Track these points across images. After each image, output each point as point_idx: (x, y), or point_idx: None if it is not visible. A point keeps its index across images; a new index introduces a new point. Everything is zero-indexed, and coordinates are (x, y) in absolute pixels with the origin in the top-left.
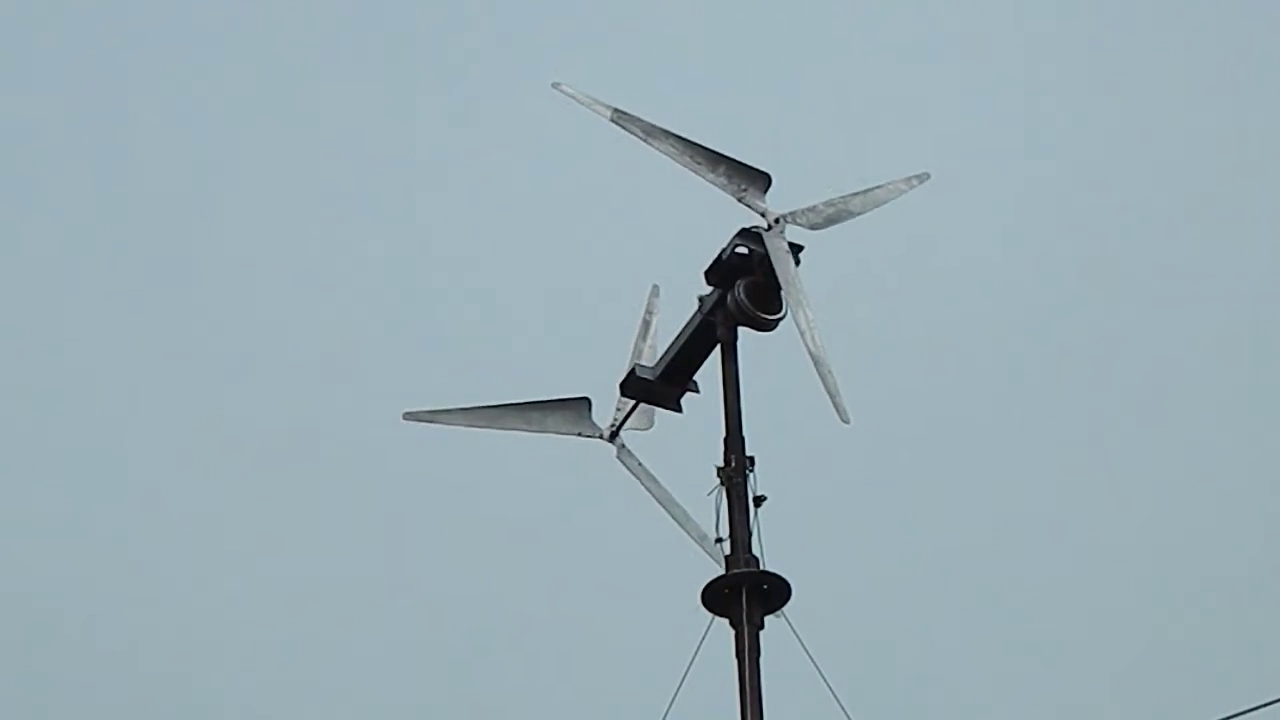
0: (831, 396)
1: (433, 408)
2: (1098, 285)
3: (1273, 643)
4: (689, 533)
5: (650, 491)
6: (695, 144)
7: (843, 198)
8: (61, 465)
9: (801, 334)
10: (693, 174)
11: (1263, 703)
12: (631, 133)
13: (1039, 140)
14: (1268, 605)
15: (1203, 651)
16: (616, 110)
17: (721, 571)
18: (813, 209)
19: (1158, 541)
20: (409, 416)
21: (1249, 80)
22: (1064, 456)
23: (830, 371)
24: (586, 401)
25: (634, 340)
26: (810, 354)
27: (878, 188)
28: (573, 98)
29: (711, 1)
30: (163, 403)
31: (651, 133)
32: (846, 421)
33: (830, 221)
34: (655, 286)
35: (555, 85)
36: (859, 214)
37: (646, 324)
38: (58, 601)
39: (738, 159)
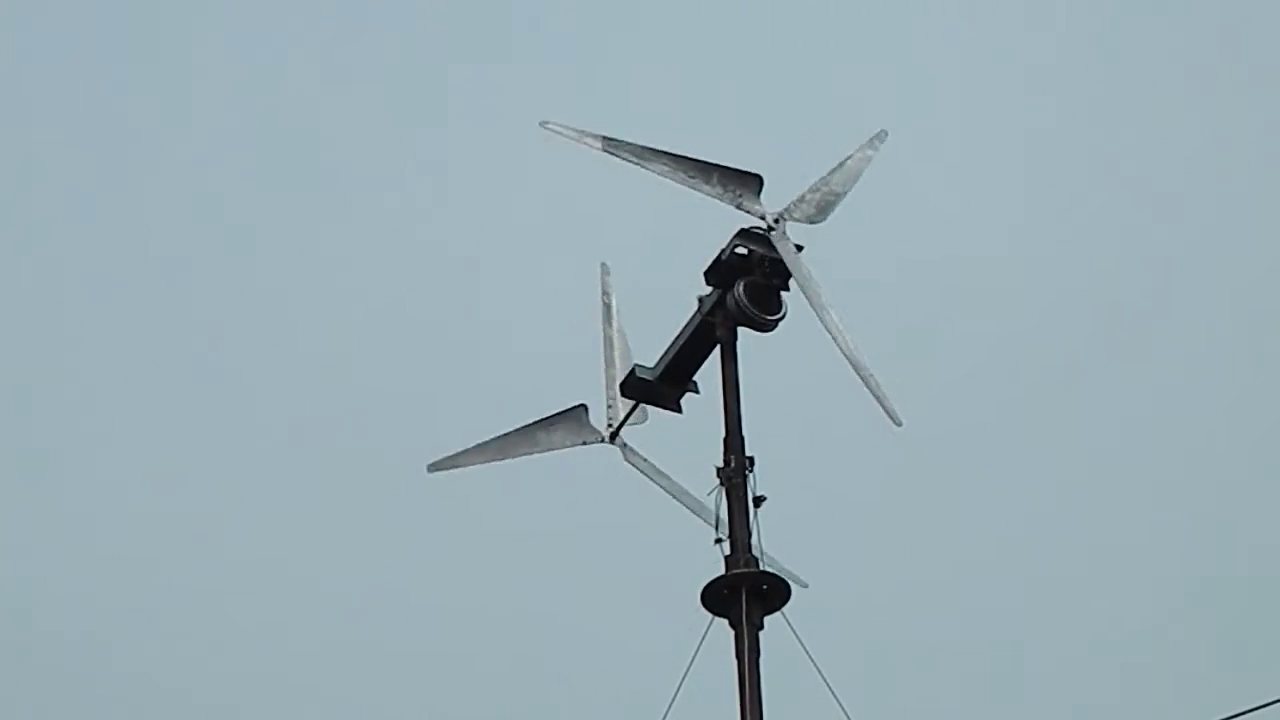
0: (879, 400)
1: (450, 452)
2: (1106, 285)
3: (1273, 643)
4: (706, 521)
5: (661, 485)
6: (686, 158)
7: (821, 179)
8: (62, 465)
9: (835, 339)
10: (689, 188)
11: (1263, 703)
12: (624, 159)
13: (1045, 139)
14: (1268, 605)
15: (1203, 651)
16: (606, 139)
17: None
18: (802, 199)
19: (1158, 542)
20: (434, 468)
21: (1261, 81)
22: (1065, 457)
23: (871, 374)
24: (584, 408)
25: (600, 329)
26: (848, 359)
27: (846, 160)
28: (560, 133)
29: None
30: (163, 402)
31: (643, 155)
32: (899, 424)
33: (823, 210)
34: (604, 265)
35: (543, 124)
36: (844, 192)
37: (608, 307)
38: (56, 602)
39: (728, 165)
